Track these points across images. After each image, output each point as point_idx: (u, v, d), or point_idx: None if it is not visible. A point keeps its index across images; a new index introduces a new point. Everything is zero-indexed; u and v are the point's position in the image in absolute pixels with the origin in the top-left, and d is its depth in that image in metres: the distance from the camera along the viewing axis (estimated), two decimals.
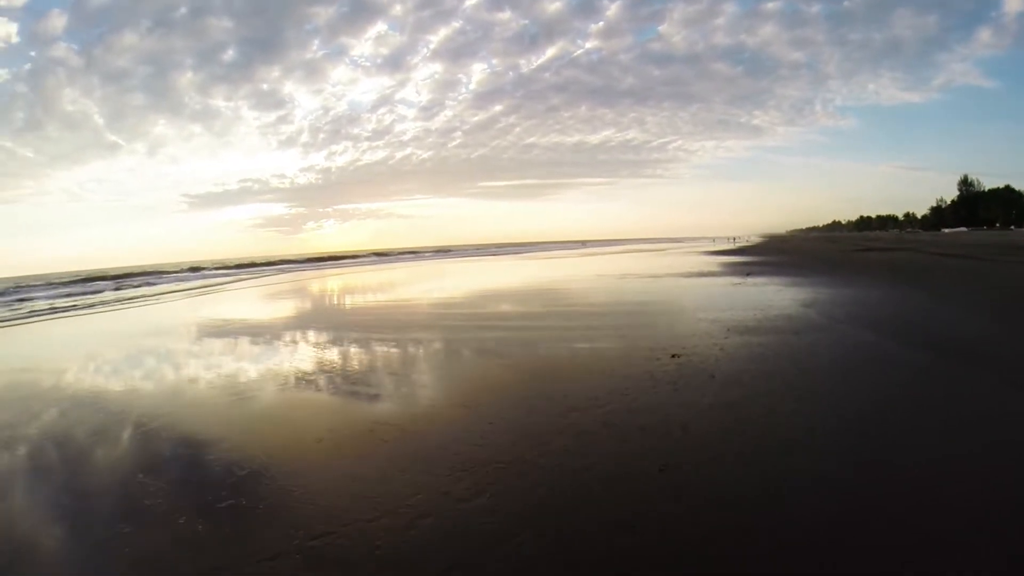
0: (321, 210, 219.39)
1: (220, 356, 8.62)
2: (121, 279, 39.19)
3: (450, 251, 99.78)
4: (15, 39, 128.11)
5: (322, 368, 7.23)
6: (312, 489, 3.60)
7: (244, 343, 9.66)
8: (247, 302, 19.65)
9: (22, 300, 25.74)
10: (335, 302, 18.20)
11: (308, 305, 17.48)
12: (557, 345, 7.95)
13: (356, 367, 7.27)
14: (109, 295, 26.69)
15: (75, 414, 5.80)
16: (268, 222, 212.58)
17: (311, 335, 10.05)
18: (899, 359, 6.07)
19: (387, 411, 5.27)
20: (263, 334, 10.46)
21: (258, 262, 69.93)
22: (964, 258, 21.63)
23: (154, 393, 6.53)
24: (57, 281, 42.19)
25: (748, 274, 18.09)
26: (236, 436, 4.77)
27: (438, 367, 7.15)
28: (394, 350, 8.22)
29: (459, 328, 10.15)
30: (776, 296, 11.96)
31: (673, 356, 6.58)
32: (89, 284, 35.87)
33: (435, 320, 11.48)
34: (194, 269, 54.08)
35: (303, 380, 6.65)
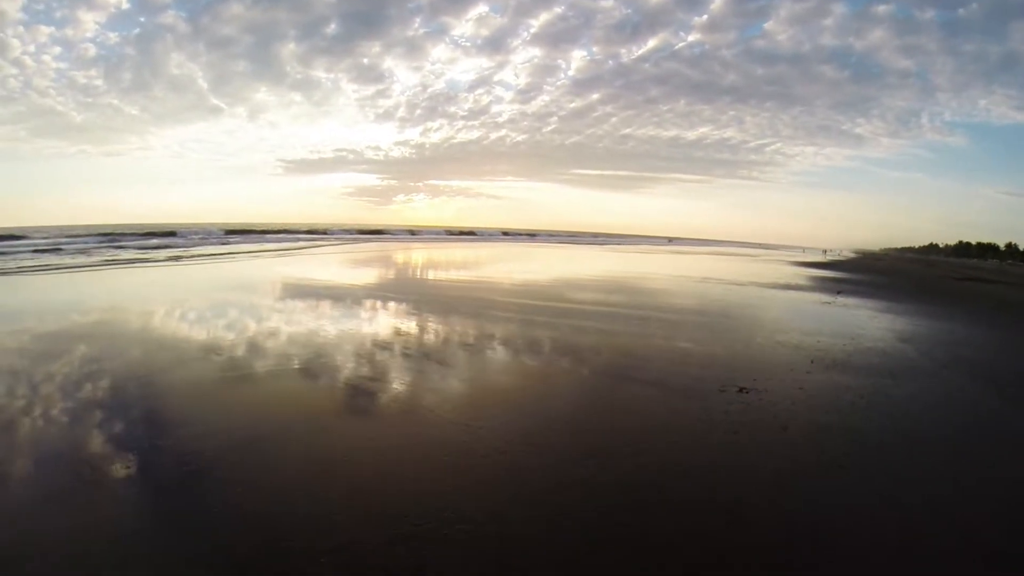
0: (412, 184, 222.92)
1: (307, 315, 8.72)
2: (178, 235, 40.77)
3: (536, 235, 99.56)
4: (125, 5, 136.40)
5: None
6: None
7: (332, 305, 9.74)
8: (339, 267, 19.97)
9: (119, 247, 27.27)
10: (410, 277, 18.27)
11: (392, 282, 17.60)
12: (603, 356, 7.57)
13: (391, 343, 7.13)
14: (180, 251, 27.86)
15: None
16: (359, 191, 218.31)
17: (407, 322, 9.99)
18: None
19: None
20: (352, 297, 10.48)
21: (351, 229, 72.07)
22: None
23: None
24: (148, 231, 44.33)
25: (839, 292, 17.06)
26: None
27: (440, 361, 6.93)
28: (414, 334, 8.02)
29: (503, 320, 9.92)
30: (869, 323, 11.14)
31: (741, 390, 6.05)
32: (167, 238, 37.54)
33: (474, 306, 11.26)
34: (286, 232, 55.92)
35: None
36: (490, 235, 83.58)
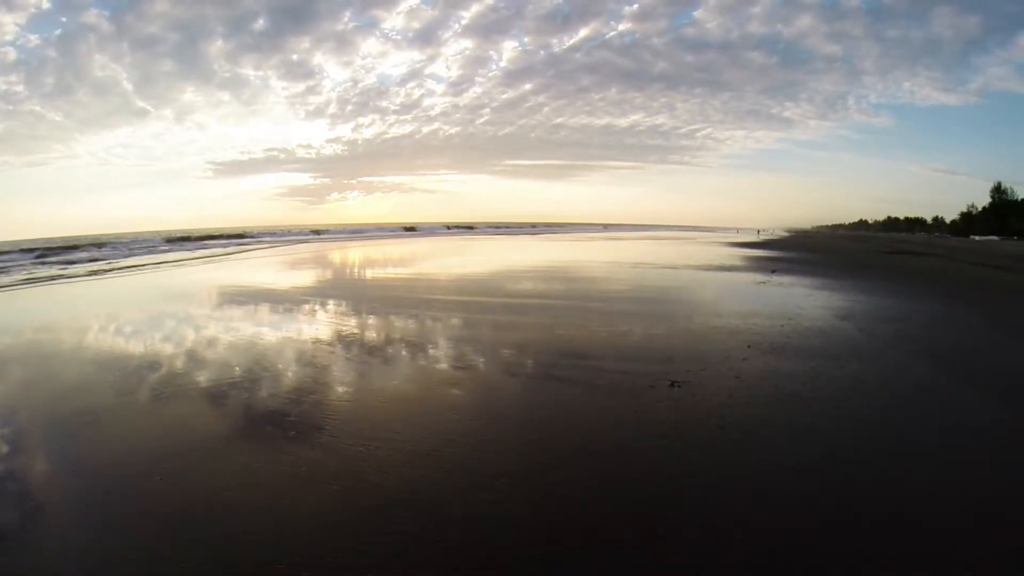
0: (346, 181, 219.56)
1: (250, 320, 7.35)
2: (97, 247, 37.85)
3: (475, 228, 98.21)
4: (46, 5, 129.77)
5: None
6: None
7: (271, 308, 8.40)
8: (265, 270, 18.42)
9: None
10: (337, 279, 16.92)
11: (328, 279, 16.22)
12: (524, 355, 6.55)
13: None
14: (91, 265, 25.65)
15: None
16: (292, 191, 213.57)
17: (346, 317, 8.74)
18: (982, 417, 4.56)
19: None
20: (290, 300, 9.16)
21: (286, 230, 69.94)
22: (1008, 271, 19.84)
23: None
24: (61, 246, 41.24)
25: (773, 271, 16.53)
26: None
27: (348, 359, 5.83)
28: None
29: (418, 318, 8.86)
30: (806, 301, 10.44)
31: (673, 384, 5.18)
32: (93, 250, 34.73)
33: (390, 306, 10.15)
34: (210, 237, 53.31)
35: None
36: (433, 230, 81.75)
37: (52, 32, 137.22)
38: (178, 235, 60.24)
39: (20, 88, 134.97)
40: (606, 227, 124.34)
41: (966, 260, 25.50)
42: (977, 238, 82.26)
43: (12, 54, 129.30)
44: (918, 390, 5.20)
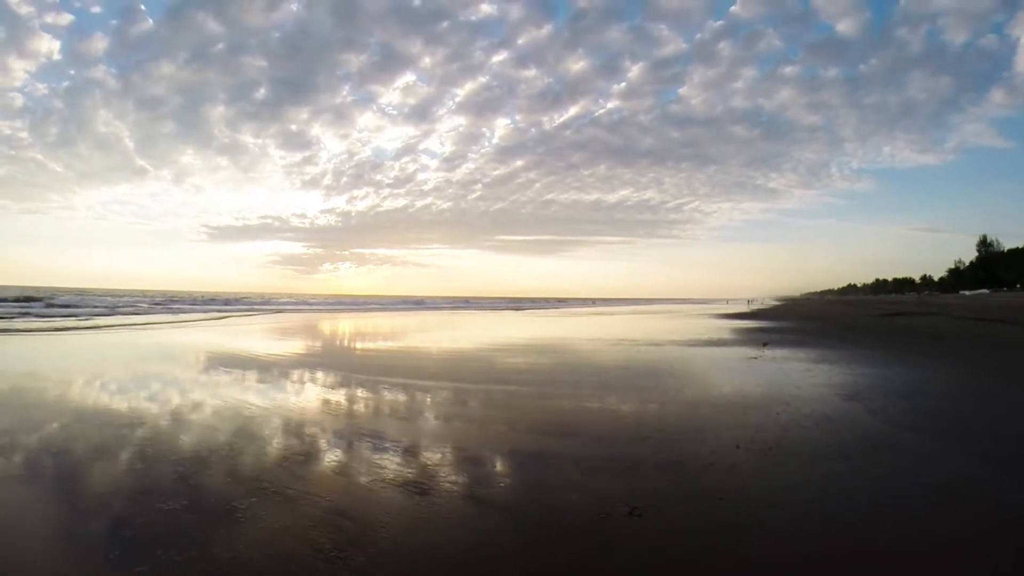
0: (338, 252, 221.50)
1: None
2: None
3: (462, 301, 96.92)
4: (57, 56, 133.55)
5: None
6: None
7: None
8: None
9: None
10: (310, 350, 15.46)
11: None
12: (455, 472, 5.13)
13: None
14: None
15: None
16: (285, 260, 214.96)
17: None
18: None
19: None
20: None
21: (269, 298, 68.91)
22: (1006, 324, 18.70)
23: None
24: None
25: (765, 344, 15.29)
26: None
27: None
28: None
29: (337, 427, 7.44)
30: (804, 378, 9.18)
31: (632, 512, 3.80)
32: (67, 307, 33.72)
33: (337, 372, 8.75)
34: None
35: None
36: (389, 304, 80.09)
37: (60, 83, 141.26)
38: (166, 296, 59.37)
39: (24, 135, 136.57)
40: (595, 302, 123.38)
41: (963, 316, 24.42)
42: (968, 293, 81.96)
43: (19, 100, 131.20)
44: (959, 496, 3.93)
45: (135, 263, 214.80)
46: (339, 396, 8.38)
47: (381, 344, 19.12)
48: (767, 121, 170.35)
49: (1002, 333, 15.95)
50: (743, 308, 56.29)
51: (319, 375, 10.40)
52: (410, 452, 5.40)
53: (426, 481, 4.53)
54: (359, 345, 18.88)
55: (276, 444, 5.67)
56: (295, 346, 17.35)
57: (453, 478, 4.61)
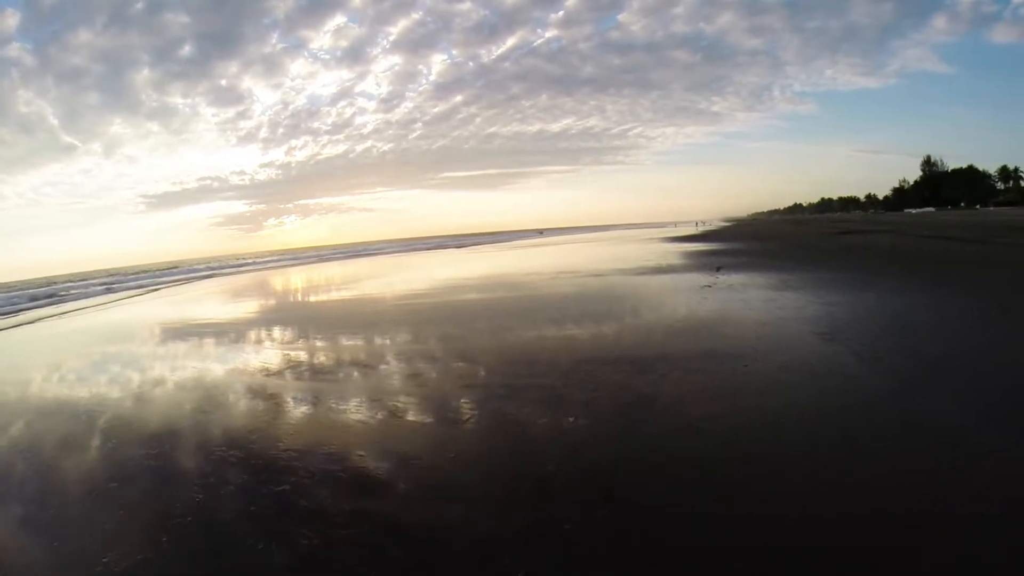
0: (282, 206, 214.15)
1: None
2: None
3: (409, 243, 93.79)
4: None
5: None
6: None
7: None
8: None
9: None
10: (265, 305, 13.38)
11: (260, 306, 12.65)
12: (322, 474, 3.41)
13: None
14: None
15: None
16: (228, 220, 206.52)
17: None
18: None
19: None
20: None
21: (212, 261, 65.31)
22: (961, 242, 17.63)
23: None
24: None
25: (719, 269, 13.76)
26: None
27: None
28: None
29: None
30: (768, 311, 7.60)
31: None
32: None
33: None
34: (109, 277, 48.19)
35: None
36: (380, 248, 76.62)
37: None
38: (109, 274, 55.75)
39: None
40: (541, 232, 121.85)
41: (916, 234, 23.50)
42: (913, 211, 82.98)
43: None
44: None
45: (75, 245, 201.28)
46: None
47: (326, 296, 17.18)
48: (708, 45, 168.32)
49: (968, 252, 14.75)
50: (692, 230, 55.32)
51: (276, 334, 8.64)
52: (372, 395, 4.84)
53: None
54: (302, 301, 16.93)
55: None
56: (238, 310, 15.30)
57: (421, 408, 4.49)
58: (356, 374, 6.05)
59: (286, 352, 7.56)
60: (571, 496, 2.93)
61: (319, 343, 8.13)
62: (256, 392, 5.57)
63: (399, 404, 4.76)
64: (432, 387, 5.26)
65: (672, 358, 5.52)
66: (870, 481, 2.83)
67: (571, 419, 4.03)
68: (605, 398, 4.47)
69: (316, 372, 6.32)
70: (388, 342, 7.72)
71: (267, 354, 7.52)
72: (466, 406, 4.57)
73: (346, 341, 8.12)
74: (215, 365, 7.16)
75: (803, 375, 4.64)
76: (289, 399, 5.23)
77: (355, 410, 4.71)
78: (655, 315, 8.16)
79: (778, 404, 4.02)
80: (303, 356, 7.25)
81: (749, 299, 8.72)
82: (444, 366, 6.05)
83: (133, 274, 53.85)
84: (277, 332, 9.54)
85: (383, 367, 6.24)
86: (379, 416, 4.49)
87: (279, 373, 6.36)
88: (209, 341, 9.17)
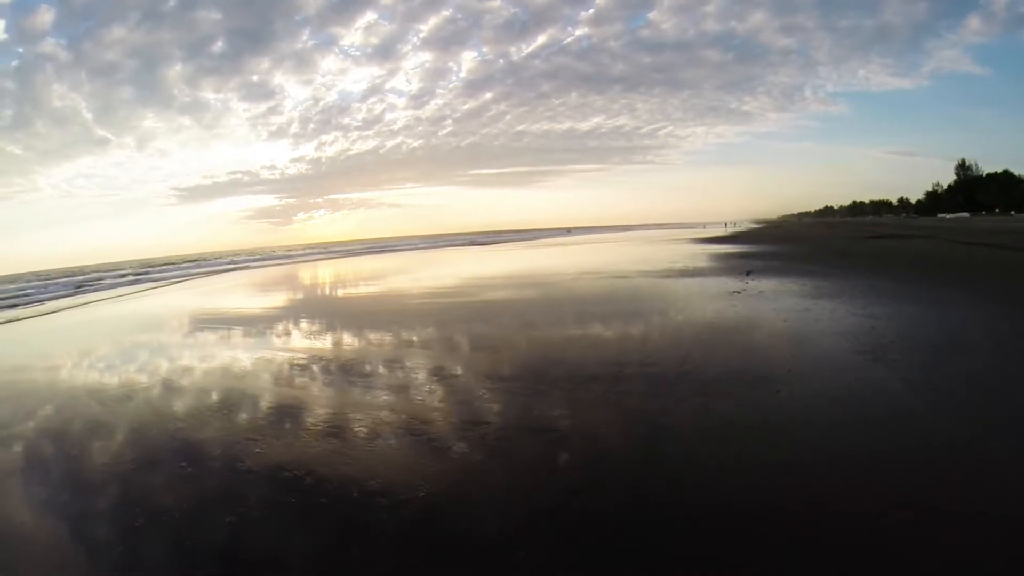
0: (311, 200, 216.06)
1: None
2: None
3: (438, 239, 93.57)
4: (2, 36, 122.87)
5: None
6: None
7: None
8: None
9: None
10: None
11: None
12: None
13: None
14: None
15: None
16: (258, 214, 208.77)
17: None
18: None
19: None
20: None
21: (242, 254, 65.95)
22: (1002, 249, 16.72)
23: None
24: None
25: (749, 273, 13.12)
26: None
27: None
28: None
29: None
30: (803, 322, 7.03)
31: None
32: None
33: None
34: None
35: None
36: (410, 243, 76.58)
37: (9, 63, 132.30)
38: (143, 265, 56.58)
39: None
40: (569, 231, 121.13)
41: (955, 240, 22.47)
42: (948, 216, 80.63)
43: None
44: None
45: (106, 236, 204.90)
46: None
47: (353, 291, 16.91)
48: (740, 44, 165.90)
49: (1012, 259, 13.92)
50: (721, 232, 54.34)
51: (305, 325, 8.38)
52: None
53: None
54: (325, 296, 16.68)
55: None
56: (270, 302, 15.10)
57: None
58: (373, 368, 5.64)
59: (304, 347, 7.17)
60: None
61: (337, 338, 7.79)
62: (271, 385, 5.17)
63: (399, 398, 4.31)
64: (414, 397, 4.80)
65: (695, 378, 5.00)
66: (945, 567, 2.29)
67: (564, 456, 3.53)
68: (612, 431, 3.96)
69: (331, 365, 5.94)
70: (391, 339, 7.29)
71: (283, 352, 7.14)
72: (437, 435, 4.10)
73: (366, 336, 7.74)
74: (236, 355, 6.80)
75: (846, 407, 4.08)
76: (305, 392, 4.82)
77: (365, 407, 4.27)
78: (678, 325, 7.62)
79: (817, 446, 3.49)
80: (321, 350, 6.87)
81: (781, 308, 8.13)
82: (433, 373, 5.59)
83: (161, 265, 54.45)
84: (295, 329, 9.17)
85: (395, 362, 5.80)
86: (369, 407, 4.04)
87: (300, 368, 5.96)
88: (227, 333, 8.85)
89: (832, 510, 2.70)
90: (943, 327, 6.53)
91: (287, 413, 4.73)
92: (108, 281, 33.27)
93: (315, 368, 6.33)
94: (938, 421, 3.72)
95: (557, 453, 3.59)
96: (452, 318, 9.28)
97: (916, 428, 3.63)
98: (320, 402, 4.98)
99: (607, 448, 3.62)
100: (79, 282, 34.45)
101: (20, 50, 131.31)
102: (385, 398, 4.97)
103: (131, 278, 35.14)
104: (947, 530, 2.47)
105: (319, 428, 4.29)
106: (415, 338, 7.70)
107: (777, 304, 8.53)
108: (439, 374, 5.70)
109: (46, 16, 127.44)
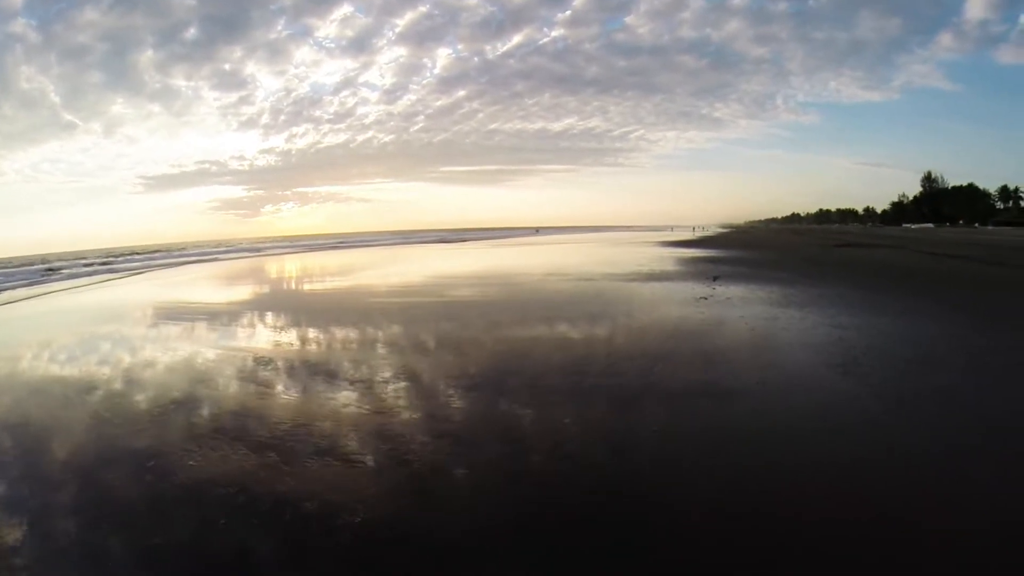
0: (280, 193, 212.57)
1: None
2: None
3: (407, 235, 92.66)
4: None
5: None
6: None
7: None
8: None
9: None
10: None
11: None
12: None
13: None
14: None
15: None
16: (225, 204, 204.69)
17: None
18: None
19: None
20: None
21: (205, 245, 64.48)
22: (977, 262, 16.79)
23: None
24: None
25: (715, 278, 12.87)
26: None
27: None
28: None
29: None
30: (772, 332, 6.74)
31: None
32: None
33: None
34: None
35: None
36: (378, 239, 75.20)
37: None
38: (101, 253, 55.15)
39: None
40: (538, 230, 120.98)
41: (922, 251, 22.65)
42: (912, 226, 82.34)
43: None
44: None
45: (71, 224, 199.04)
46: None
47: (314, 287, 16.32)
48: (714, 51, 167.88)
49: (983, 273, 13.90)
50: (689, 236, 54.50)
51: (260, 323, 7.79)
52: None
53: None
54: (295, 290, 16.01)
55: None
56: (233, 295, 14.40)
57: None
58: (319, 371, 5.14)
59: (256, 347, 6.64)
60: None
61: (289, 336, 7.26)
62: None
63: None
64: (353, 406, 4.34)
65: (659, 391, 4.63)
66: None
67: (514, 482, 3.10)
68: (569, 449, 3.55)
69: (279, 366, 5.43)
70: (342, 341, 6.80)
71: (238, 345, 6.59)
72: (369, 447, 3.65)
73: (319, 335, 7.24)
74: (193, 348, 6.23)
75: (819, 424, 3.76)
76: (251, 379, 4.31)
77: (309, 415, 3.79)
78: (643, 332, 7.28)
79: (791, 465, 3.13)
80: (272, 350, 6.35)
81: (749, 316, 7.84)
82: (381, 380, 5.14)
83: (126, 255, 53.04)
84: (249, 327, 8.61)
85: (337, 367, 5.32)
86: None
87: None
88: (177, 330, 8.25)
89: (809, 529, 2.33)
90: (912, 339, 6.30)
91: (228, 420, 4.23)
92: (69, 271, 32.21)
93: (263, 370, 5.83)
94: (913, 439, 3.41)
95: (506, 481, 3.16)
96: (410, 318, 8.81)
97: (890, 445, 3.32)
98: (264, 408, 4.49)
99: (566, 472, 3.20)
100: (40, 271, 33.35)
101: None
102: (324, 406, 4.49)
103: (94, 268, 34.08)
104: (925, 548, 2.11)
105: (259, 438, 3.80)
106: (366, 340, 7.23)
107: (745, 312, 8.24)
108: (387, 380, 5.24)
109: None
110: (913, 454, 3.24)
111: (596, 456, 3.41)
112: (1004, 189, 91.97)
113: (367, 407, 4.46)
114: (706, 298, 9.72)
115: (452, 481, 3.15)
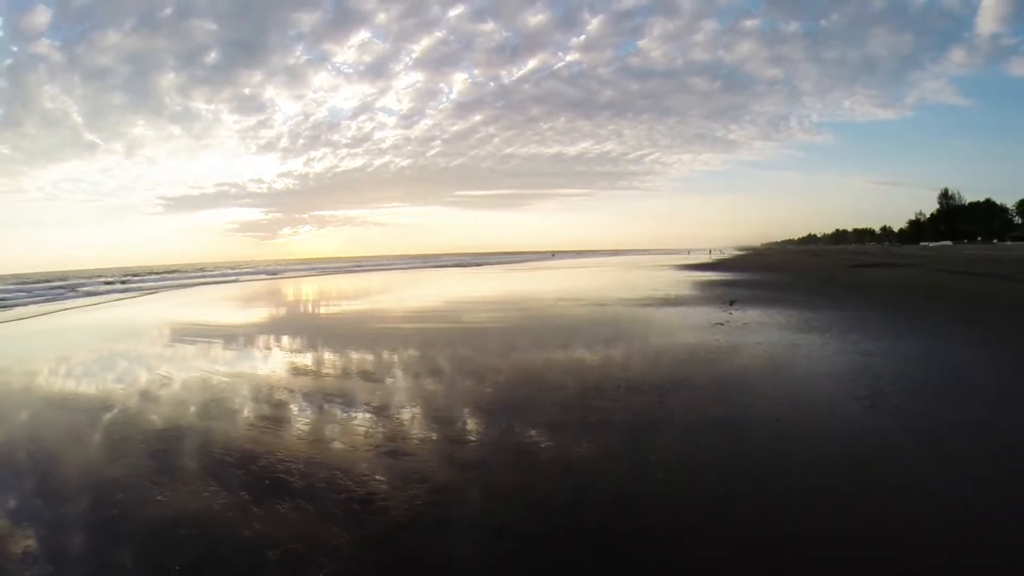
0: (297, 216, 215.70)
1: None
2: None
3: (423, 259, 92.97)
4: None
5: None
6: None
7: None
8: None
9: None
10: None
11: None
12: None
13: None
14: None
15: None
16: (244, 227, 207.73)
17: None
18: None
19: None
20: None
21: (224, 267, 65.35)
22: (993, 278, 16.35)
23: None
24: None
25: (732, 303, 12.55)
26: None
27: None
28: None
29: None
30: (792, 360, 6.45)
31: None
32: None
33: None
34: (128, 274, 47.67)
35: None
36: (394, 263, 75.29)
37: (2, 61, 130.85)
38: (119, 272, 55.82)
39: None
40: (554, 255, 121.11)
41: (943, 269, 22.15)
42: (930, 244, 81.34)
43: None
44: None
45: (91, 242, 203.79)
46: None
47: (330, 311, 16.24)
48: (727, 74, 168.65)
49: (1003, 290, 13.49)
50: (705, 259, 54.08)
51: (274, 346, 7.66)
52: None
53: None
54: (310, 313, 15.93)
55: None
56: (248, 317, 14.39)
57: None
58: (325, 397, 4.91)
59: (266, 372, 6.44)
60: None
61: (301, 360, 7.04)
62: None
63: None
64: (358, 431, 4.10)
65: (670, 426, 4.36)
66: None
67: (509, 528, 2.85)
68: (573, 487, 3.30)
69: (286, 392, 5.20)
70: (350, 364, 6.59)
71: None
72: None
73: (331, 359, 7.01)
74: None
75: (846, 469, 3.46)
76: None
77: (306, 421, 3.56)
78: (656, 361, 7.00)
79: (816, 518, 2.85)
80: (281, 376, 6.13)
81: (768, 343, 7.54)
82: (384, 406, 4.90)
83: (143, 274, 53.99)
84: (260, 351, 8.44)
85: (342, 392, 5.10)
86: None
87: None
88: (184, 352, 8.10)
89: None
90: (939, 366, 5.99)
91: (236, 444, 4.02)
92: (86, 288, 32.74)
93: (273, 392, 5.62)
94: (950, 485, 3.11)
95: (526, 511, 2.91)
96: (425, 342, 8.57)
97: (926, 493, 3.00)
98: (274, 432, 4.27)
99: (572, 515, 2.95)
100: (58, 287, 33.96)
101: (14, 49, 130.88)
102: (337, 429, 4.26)
103: (110, 286, 34.59)
104: None
105: (254, 474, 3.57)
106: (375, 366, 7.00)
107: (763, 338, 7.94)
108: (400, 405, 5.01)
109: (42, 16, 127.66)
110: (949, 498, 2.95)
111: (600, 501, 3.14)
112: (1021, 204, 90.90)
113: (380, 432, 4.22)
114: (722, 324, 9.43)
115: (463, 510, 2.90)
